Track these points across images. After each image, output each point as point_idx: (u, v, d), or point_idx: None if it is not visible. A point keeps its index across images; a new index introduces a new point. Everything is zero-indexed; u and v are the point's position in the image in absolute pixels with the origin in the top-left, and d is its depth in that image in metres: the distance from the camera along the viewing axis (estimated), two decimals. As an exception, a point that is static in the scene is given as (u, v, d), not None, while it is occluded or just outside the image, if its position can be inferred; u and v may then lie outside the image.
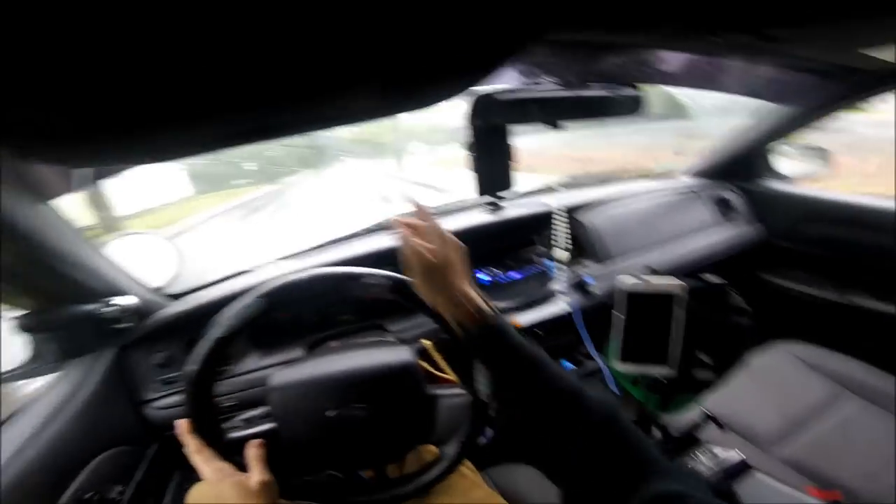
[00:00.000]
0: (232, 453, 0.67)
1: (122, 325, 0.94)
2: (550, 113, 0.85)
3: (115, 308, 0.91)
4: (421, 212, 0.66)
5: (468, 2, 0.48)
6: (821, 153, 1.59)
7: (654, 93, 1.07)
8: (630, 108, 0.89)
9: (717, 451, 0.88)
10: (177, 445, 0.99)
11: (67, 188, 0.80)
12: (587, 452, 0.50)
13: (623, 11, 0.62)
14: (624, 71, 0.99)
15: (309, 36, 0.45)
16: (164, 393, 1.01)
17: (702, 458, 0.87)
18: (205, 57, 0.34)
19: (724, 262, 1.50)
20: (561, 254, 1.22)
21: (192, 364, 0.64)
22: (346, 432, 0.69)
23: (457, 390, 0.78)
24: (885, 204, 1.35)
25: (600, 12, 0.61)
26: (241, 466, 0.66)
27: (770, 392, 1.13)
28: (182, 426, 0.66)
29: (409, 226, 0.64)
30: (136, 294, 0.98)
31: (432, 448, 0.88)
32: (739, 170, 1.67)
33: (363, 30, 0.47)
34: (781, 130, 1.47)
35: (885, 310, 1.35)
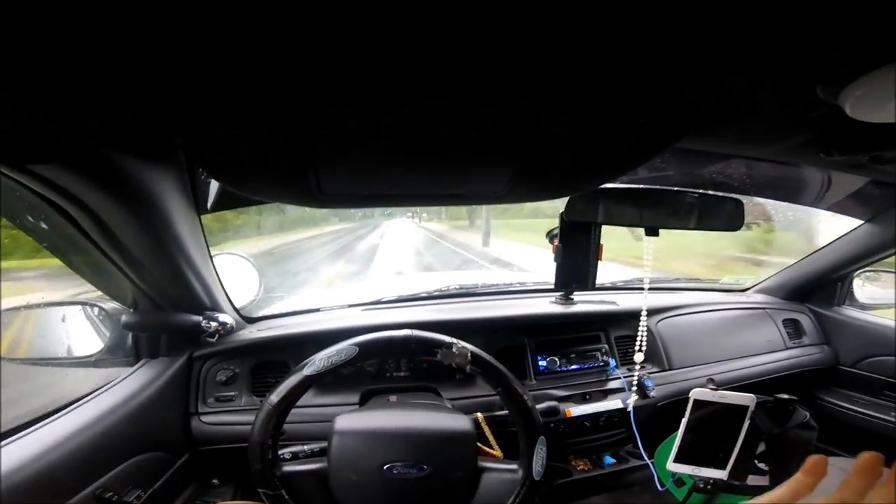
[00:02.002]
0: (280, 486, 0.70)
1: (208, 339, 1.02)
2: (649, 218, 0.88)
3: (215, 324, 0.99)
4: None
5: (611, 111, 0.56)
6: None
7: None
8: (732, 220, 0.90)
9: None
10: (205, 459, 1.05)
11: (206, 205, 0.91)
12: None
13: (747, 126, 0.67)
14: (726, 179, 1.02)
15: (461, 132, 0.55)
16: (215, 409, 1.06)
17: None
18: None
19: (787, 380, 1.44)
20: (638, 356, 1.21)
21: (277, 394, 0.69)
22: (397, 486, 0.71)
23: (504, 465, 0.78)
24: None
25: (731, 124, 0.66)
26: (286, 501, 0.69)
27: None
28: None
29: None
30: (227, 311, 1.06)
31: None
32: (814, 292, 1.63)
33: (505, 127, 0.56)
34: (864, 255, 1.43)
35: None
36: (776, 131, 0.69)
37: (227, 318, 1.03)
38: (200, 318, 0.98)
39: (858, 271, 1.56)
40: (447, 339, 0.72)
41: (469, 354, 0.71)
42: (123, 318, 0.93)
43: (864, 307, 1.61)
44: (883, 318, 1.52)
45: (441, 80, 0.44)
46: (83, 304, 1.03)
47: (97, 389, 0.89)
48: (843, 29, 0.37)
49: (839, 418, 1.52)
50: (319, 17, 0.33)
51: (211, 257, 1.00)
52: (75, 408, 0.82)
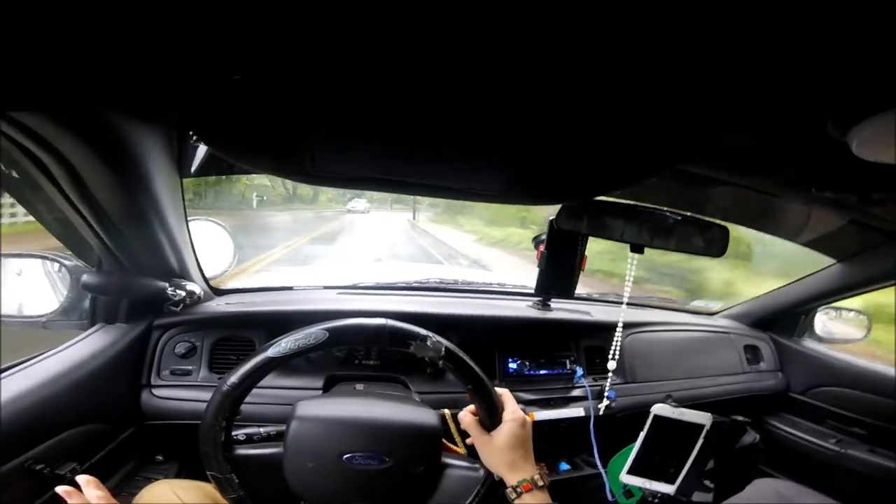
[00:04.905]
0: (230, 469, 0.68)
1: (172, 308, 0.98)
2: (638, 235, 0.88)
3: (182, 292, 0.95)
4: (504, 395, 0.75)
5: (608, 132, 0.56)
6: (863, 321, 1.62)
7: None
8: (716, 246, 0.92)
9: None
10: (151, 434, 1.01)
11: (190, 170, 0.88)
12: None
13: (745, 156, 0.68)
14: (712, 206, 1.03)
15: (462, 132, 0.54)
16: (170, 383, 1.01)
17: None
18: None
19: (740, 403, 1.50)
20: (611, 364, 1.22)
21: (236, 375, 0.65)
22: (355, 477, 0.70)
23: (467, 463, 0.78)
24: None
25: (725, 154, 0.67)
26: (236, 484, 0.67)
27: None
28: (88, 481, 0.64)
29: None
30: (196, 280, 1.02)
31: None
32: (777, 322, 1.69)
33: (506, 131, 0.55)
34: (831, 293, 1.49)
35: (881, 463, 1.35)
36: (774, 163, 0.70)
37: (196, 287, 0.99)
38: (167, 284, 0.93)
39: (822, 306, 1.62)
40: (422, 331, 0.70)
41: (443, 349, 0.69)
42: (84, 277, 0.86)
43: (821, 340, 1.67)
44: (834, 352, 1.59)
45: (448, 76, 0.43)
46: (43, 257, 0.95)
47: (41, 354, 0.83)
48: (858, 68, 0.37)
49: (783, 443, 1.59)
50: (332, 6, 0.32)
51: (187, 222, 0.95)
52: (12, 373, 0.76)
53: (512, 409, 0.73)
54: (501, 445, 0.70)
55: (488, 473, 0.73)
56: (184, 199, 0.90)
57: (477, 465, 0.76)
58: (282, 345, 0.66)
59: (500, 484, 0.72)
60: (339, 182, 0.72)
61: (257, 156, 0.66)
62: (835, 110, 0.48)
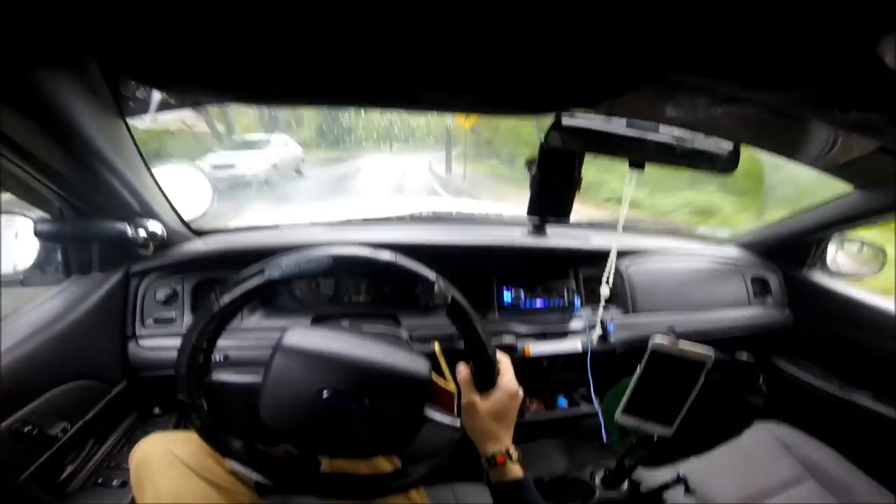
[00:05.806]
0: (202, 395, 0.64)
1: (141, 251, 0.93)
2: (637, 150, 0.79)
3: (142, 232, 0.89)
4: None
5: (587, 33, 0.47)
6: (878, 253, 1.52)
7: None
8: (726, 164, 0.84)
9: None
10: (145, 387, 0.98)
11: (144, 110, 0.80)
12: None
13: (761, 66, 0.58)
14: (718, 122, 0.94)
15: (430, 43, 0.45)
16: (154, 332, 0.98)
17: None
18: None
19: (744, 339, 1.46)
20: (605, 290, 1.16)
21: (229, 294, 0.60)
22: (331, 416, 0.66)
23: (449, 421, 0.72)
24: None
25: (734, 63, 0.58)
26: (204, 412, 0.64)
27: (742, 466, 1.15)
28: None
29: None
30: (167, 222, 0.96)
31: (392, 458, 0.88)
32: (786, 253, 1.60)
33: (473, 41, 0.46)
34: (847, 220, 1.38)
35: (883, 412, 1.33)
36: (789, 77, 0.60)
37: (158, 226, 0.92)
38: (124, 224, 0.87)
39: (833, 234, 1.53)
40: (431, 274, 0.64)
41: (450, 298, 0.64)
42: (37, 226, 0.81)
43: (832, 273, 1.59)
44: (846, 287, 1.51)
45: None
46: (6, 212, 0.90)
47: (15, 312, 0.80)
48: None
49: (786, 383, 1.55)
50: None
51: (146, 163, 0.88)
52: None
53: (508, 378, 0.72)
54: (485, 412, 0.69)
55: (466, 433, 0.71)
56: (134, 140, 0.83)
57: (459, 425, 0.71)
58: (282, 266, 0.60)
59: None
60: (293, 100, 0.64)
61: (185, 85, 0.59)
62: (864, 13, 0.40)
